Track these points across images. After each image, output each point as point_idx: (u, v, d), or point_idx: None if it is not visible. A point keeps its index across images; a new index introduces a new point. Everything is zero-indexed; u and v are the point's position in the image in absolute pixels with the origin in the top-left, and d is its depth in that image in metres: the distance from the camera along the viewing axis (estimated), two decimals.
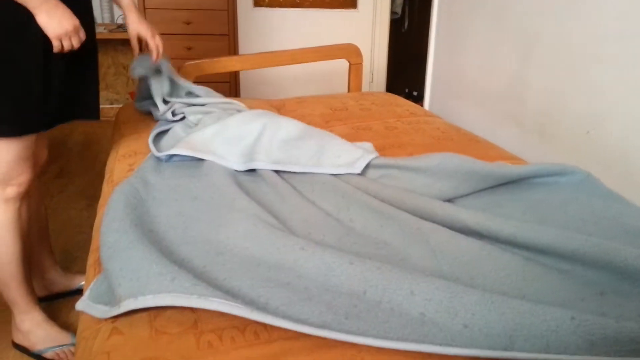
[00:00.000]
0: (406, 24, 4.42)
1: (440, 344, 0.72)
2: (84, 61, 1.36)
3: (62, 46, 1.20)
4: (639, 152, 1.42)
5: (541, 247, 0.89)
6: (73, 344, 1.45)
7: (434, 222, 1.02)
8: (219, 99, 1.77)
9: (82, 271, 1.78)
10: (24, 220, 1.37)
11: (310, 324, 0.76)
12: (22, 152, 1.27)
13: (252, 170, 1.31)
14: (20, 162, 1.27)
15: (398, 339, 0.73)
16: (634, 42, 1.40)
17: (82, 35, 1.23)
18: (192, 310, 0.81)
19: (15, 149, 1.25)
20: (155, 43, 1.64)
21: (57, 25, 1.16)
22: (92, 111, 1.43)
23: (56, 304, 1.66)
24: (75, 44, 1.21)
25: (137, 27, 1.60)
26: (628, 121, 1.44)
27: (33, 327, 1.44)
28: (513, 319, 0.72)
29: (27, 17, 1.15)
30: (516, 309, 0.73)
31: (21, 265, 1.37)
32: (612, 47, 1.47)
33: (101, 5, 3.57)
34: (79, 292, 1.68)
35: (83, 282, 1.68)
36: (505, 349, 0.70)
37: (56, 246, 1.95)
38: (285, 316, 0.78)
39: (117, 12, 3.61)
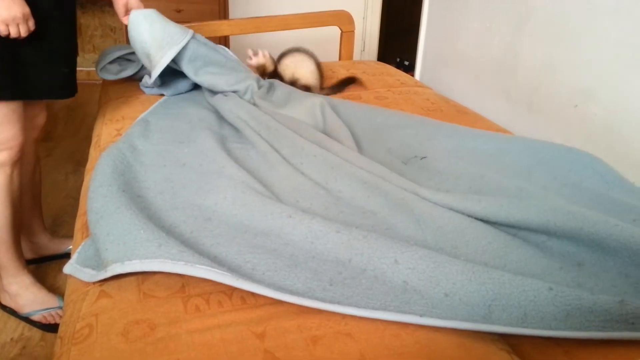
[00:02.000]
0: None
1: (421, 312, 0.74)
2: (68, 40, 1.37)
3: (9, 32, 1.16)
4: (623, 126, 1.43)
5: (515, 223, 0.91)
6: (60, 307, 1.47)
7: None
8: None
9: (69, 235, 1.80)
10: (15, 185, 1.36)
11: (296, 290, 0.78)
12: (7, 116, 1.26)
13: (242, 138, 1.31)
14: (9, 125, 1.27)
15: (380, 306, 0.75)
16: (626, 17, 1.40)
17: (31, 24, 1.19)
18: (180, 274, 0.82)
19: (4, 126, 1.25)
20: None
21: (5, 10, 1.13)
22: (72, 90, 1.41)
23: (44, 267, 1.67)
24: (23, 32, 1.17)
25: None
26: (615, 96, 1.45)
27: (21, 290, 1.45)
28: (492, 289, 0.74)
29: None
30: (496, 279, 0.75)
31: (11, 230, 1.37)
32: (605, 21, 1.47)
33: None
34: (66, 255, 1.68)
35: (71, 247, 1.68)
36: (484, 318, 0.72)
37: (44, 210, 1.94)
38: (271, 282, 0.79)
39: None
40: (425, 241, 0.91)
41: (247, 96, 1.53)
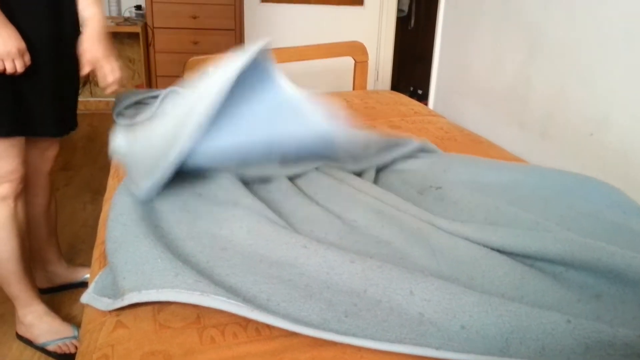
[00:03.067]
0: (412, 22, 4.42)
1: (437, 345, 0.73)
2: (68, 78, 1.38)
3: (4, 67, 1.16)
4: (639, 156, 1.42)
5: (532, 253, 0.90)
6: (75, 337, 1.47)
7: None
8: None
9: (85, 264, 1.81)
10: (21, 217, 1.37)
11: (311, 321, 0.78)
12: (8, 150, 1.27)
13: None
14: (9, 159, 1.28)
15: (396, 338, 0.74)
16: (639, 44, 1.40)
17: (27, 59, 1.19)
18: (195, 305, 0.82)
19: (4, 158, 1.26)
20: (110, 68, 1.39)
21: (1, 45, 1.13)
22: (71, 126, 1.45)
23: (59, 297, 1.68)
24: (19, 67, 1.17)
25: (89, 46, 1.35)
26: (631, 124, 1.45)
27: (35, 320, 1.46)
28: (510, 321, 0.73)
29: None
30: (513, 311, 0.74)
31: (20, 261, 1.38)
32: (618, 48, 1.47)
33: None
34: (82, 285, 1.71)
35: (87, 275, 1.70)
36: (502, 351, 0.71)
37: (61, 239, 1.96)
38: (286, 313, 0.79)
39: (124, 5, 3.63)
40: (441, 272, 0.91)
41: None
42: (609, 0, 1.50)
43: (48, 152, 1.48)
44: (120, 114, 1.75)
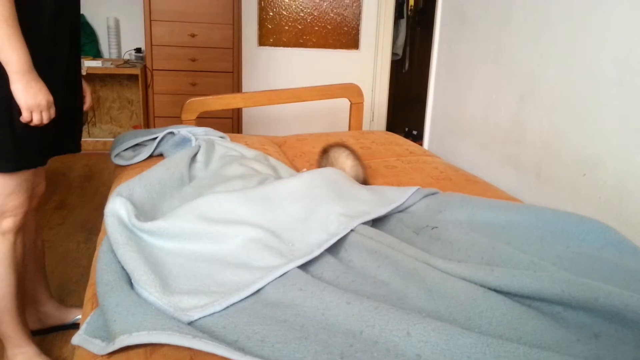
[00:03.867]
0: (407, 65, 4.51)
1: None
2: (74, 101, 1.43)
3: (32, 119, 1.18)
4: (633, 196, 1.43)
5: (529, 293, 0.90)
6: None
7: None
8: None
9: (77, 304, 1.78)
10: (19, 253, 1.37)
11: None
12: (19, 186, 1.28)
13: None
14: (17, 194, 1.29)
15: None
16: (630, 87, 1.43)
17: (53, 112, 1.22)
18: (189, 347, 0.81)
19: (12, 183, 1.27)
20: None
21: (32, 98, 1.16)
22: (76, 145, 1.50)
23: (49, 338, 1.65)
24: (45, 119, 1.20)
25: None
26: (623, 165, 1.46)
27: None
28: None
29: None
30: (511, 352, 0.73)
31: (15, 299, 1.37)
32: (609, 92, 1.50)
33: (109, 41, 3.66)
34: (73, 326, 1.68)
35: (78, 316, 1.67)
36: None
37: (53, 278, 1.94)
38: (280, 355, 0.78)
39: (123, 47, 3.70)
40: (438, 312, 0.90)
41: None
42: (600, 47, 1.54)
43: (37, 189, 1.47)
44: (118, 156, 1.76)
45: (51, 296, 1.68)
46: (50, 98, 1.20)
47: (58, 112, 1.27)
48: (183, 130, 1.81)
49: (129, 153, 1.78)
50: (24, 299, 1.46)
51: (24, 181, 1.30)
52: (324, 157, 1.63)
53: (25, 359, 1.43)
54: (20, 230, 1.35)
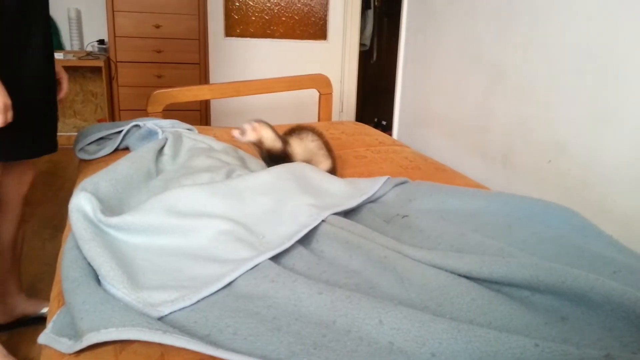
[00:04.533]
0: (375, 55, 4.53)
1: None
2: (48, 101, 1.42)
3: None
4: (596, 180, 1.47)
5: (498, 279, 0.91)
6: None
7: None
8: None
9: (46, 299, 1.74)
10: None
11: (278, 355, 0.76)
12: None
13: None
14: None
15: None
16: (592, 75, 1.47)
17: (9, 116, 1.21)
18: (159, 342, 0.80)
19: None
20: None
21: None
22: (54, 145, 1.50)
23: (16, 337, 1.61)
24: (1, 122, 1.19)
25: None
26: (587, 151, 1.50)
27: None
28: (479, 347, 0.73)
29: None
30: (482, 336, 0.74)
31: None
32: (573, 80, 1.54)
33: (70, 33, 3.55)
34: (41, 320, 1.64)
35: (46, 309, 1.64)
36: None
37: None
38: (253, 347, 0.77)
39: (86, 39, 3.60)
40: (409, 299, 0.90)
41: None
42: (562, 36, 1.57)
43: (25, 176, 1.49)
44: (82, 150, 1.72)
45: (21, 289, 1.64)
46: (8, 101, 1.18)
47: (35, 105, 1.29)
48: (149, 123, 1.78)
49: (94, 147, 1.74)
50: None
51: None
52: (290, 135, 1.53)
53: None
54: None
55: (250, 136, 1.44)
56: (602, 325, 0.82)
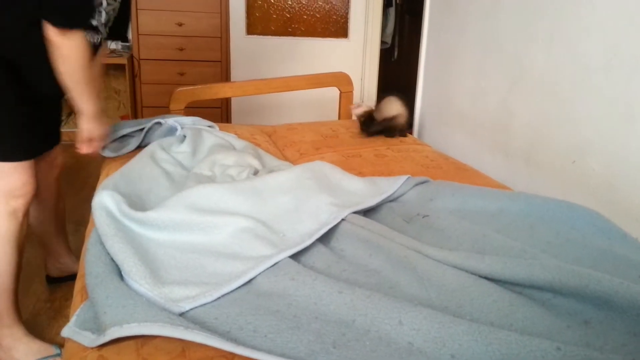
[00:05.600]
0: (396, 53, 4.50)
1: None
2: (56, 102, 1.61)
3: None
4: (622, 182, 1.44)
5: (520, 281, 0.90)
6: (59, 354, 1.46)
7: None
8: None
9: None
10: (23, 235, 1.43)
11: (298, 354, 0.76)
12: (25, 170, 1.38)
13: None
14: (20, 174, 1.37)
15: None
16: (618, 74, 1.44)
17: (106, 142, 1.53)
18: (180, 338, 0.81)
19: (19, 169, 1.36)
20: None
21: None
22: (59, 139, 1.69)
23: (40, 327, 1.65)
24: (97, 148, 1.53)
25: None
26: (612, 151, 1.47)
27: (14, 342, 1.45)
28: (499, 349, 0.72)
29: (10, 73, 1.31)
30: (503, 339, 0.74)
31: (15, 279, 1.42)
32: (598, 78, 1.51)
33: None
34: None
35: None
36: None
37: (43, 270, 1.93)
38: (273, 345, 0.78)
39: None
40: (429, 300, 0.90)
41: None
42: (588, 33, 1.54)
43: (56, 161, 1.67)
44: (105, 147, 1.74)
45: (70, 251, 1.88)
46: (107, 130, 1.49)
47: (55, 100, 1.51)
48: (170, 120, 1.79)
49: (117, 144, 1.76)
50: (49, 250, 1.78)
51: (29, 167, 1.39)
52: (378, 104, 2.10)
53: (14, 339, 1.45)
54: (28, 212, 1.43)
55: (359, 112, 2.09)
56: (627, 330, 0.80)
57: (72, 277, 1.70)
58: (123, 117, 3.74)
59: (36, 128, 1.43)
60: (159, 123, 1.79)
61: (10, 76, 1.31)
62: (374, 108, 2.09)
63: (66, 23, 1.24)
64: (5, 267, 1.39)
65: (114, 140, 1.77)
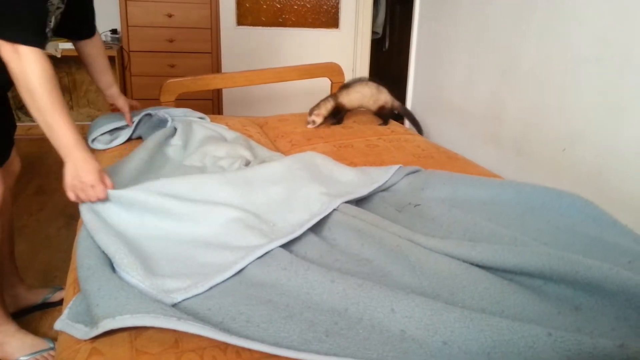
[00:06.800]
0: (387, 43, 4.49)
1: None
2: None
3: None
4: (612, 170, 1.45)
5: (511, 267, 0.91)
6: (52, 348, 1.45)
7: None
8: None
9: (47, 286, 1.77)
10: (0, 235, 1.37)
11: (291, 342, 0.76)
12: None
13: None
14: None
15: (378, 356, 0.73)
16: (609, 63, 1.44)
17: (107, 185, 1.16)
18: (174, 329, 0.81)
19: None
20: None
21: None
22: (12, 141, 1.50)
23: (33, 321, 1.64)
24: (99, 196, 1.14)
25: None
26: (602, 140, 1.48)
27: (7, 338, 1.44)
28: (491, 335, 0.73)
29: None
30: (494, 325, 0.74)
31: None
32: (588, 68, 1.51)
33: None
34: (43, 306, 1.69)
35: (48, 295, 1.70)
36: None
37: (35, 264, 1.92)
38: (265, 334, 0.78)
39: (99, 29, 3.60)
40: (421, 288, 0.90)
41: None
42: (579, 23, 1.54)
43: (12, 167, 1.48)
44: (95, 140, 1.73)
45: (21, 279, 1.67)
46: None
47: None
48: (160, 112, 1.78)
49: (107, 137, 1.75)
50: (1, 279, 1.45)
51: None
52: (340, 91, 2.06)
53: (6, 335, 1.44)
54: (2, 212, 1.36)
55: (318, 122, 2.01)
56: (616, 315, 0.81)
57: (25, 312, 1.64)
58: (113, 110, 3.71)
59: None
60: (149, 115, 1.78)
61: None
62: (332, 100, 2.03)
63: (12, 36, 1.04)
64: None
65: (104, 133, 1.76)
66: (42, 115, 1.10)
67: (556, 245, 1.01)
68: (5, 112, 1.43)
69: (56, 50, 3.10)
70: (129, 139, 1.72)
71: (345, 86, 2.10)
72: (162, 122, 1.75)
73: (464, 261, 0.95)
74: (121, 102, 1.73)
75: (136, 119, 1.74)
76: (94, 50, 1.60)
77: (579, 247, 1.00)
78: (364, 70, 3.96)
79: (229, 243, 1.04)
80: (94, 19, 1.59)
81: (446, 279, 0.91)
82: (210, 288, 0.90)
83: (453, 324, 0.76)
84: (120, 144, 1.70)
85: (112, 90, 1.71)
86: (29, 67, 1.06)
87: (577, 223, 1.09)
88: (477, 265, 0.94)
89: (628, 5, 1.38)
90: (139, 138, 1.73)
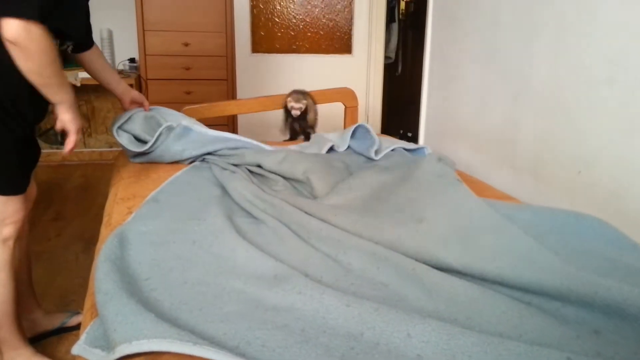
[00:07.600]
0: (400, 68, 4.53)
1: None
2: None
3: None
4: (628, 192, 1.44)
5: (528, 285, 0.90)
6: None
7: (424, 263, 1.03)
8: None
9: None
10: (17, 260, 1.42)
11: None
12: (18, 198, 1.37)
13: (252, 216, 1.33)
14: (14, 204, 1.36)
15: None
16: (622, 85, 1.44)
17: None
18: (190, 354, 0.81)
19: (12, 198, 1.35)
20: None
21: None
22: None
23: (50, 345, 1.66)
24: (75, 142, 1.39)
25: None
26: (618, 162, 1.47)
27: None
28: None
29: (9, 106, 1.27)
30: (512, 350, 0.73)
31: (14, 303, 1.41)
32: (601, 90, 1.51)
33: (102, 52, 3.65)
34: (60, 331, 1.71)
35: (64, 320, 1.72)
36: None
37: (53, 290, 1.94)
38: (281, 359, 0.78)
39: (117, 58, 3.70)
40: (438, 312, 0.90)
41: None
42: (590, 46, 1.55)
43: (29, 194, 1.51)
44: (120, 128, 1.78)
45: (39, 304, 1.70)
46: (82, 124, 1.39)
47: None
48: (184, 121, 1.83)
49: (127, 141, 1.79)
50: (20, 303, 1.49)
51: (19, 197, 1.37)
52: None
53: (24, 359, 1.44)
54: (19, 237, 1.41)
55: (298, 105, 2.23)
56: (636, 340, 0.80)
57: (44, 336, 1.67)
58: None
59: (27, 158, 1.41)
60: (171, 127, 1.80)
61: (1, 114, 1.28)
62: (304, 107, 2.25)
63: (21, 12, 1.12)
64: (3, 296, 1.38)
65: (127, 132, 1.83)
66: (51, 79, 1.27)
67: (575, 268, 0.99)
68: (35, 140, 1.50)
69: (76, 79, 3.17)
70: (148, 153, 1.77)
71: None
72: (185, 131, 1.79)
73: (481, 276, 0.94)
74: (134, 94, 1.92)
75: (158, 132, 1.76)
76: (95, 54, 1.72)
77: (598, 271, 0.99)
78: (377, 94, 4.00)
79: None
80: (91, 30, 1.70)
81: (463, 303, 0.90)
82: (227, 312, 0.90)
83: (470, 349, 0.75)
84: (142, 162, 1.76)
85: (122, 86, 1.88)
86: (37, 40, 1.17)
87: (597, 246, 1.07)
88: (495, 281, 0.93)
89: (639, 26, 1.38)
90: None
